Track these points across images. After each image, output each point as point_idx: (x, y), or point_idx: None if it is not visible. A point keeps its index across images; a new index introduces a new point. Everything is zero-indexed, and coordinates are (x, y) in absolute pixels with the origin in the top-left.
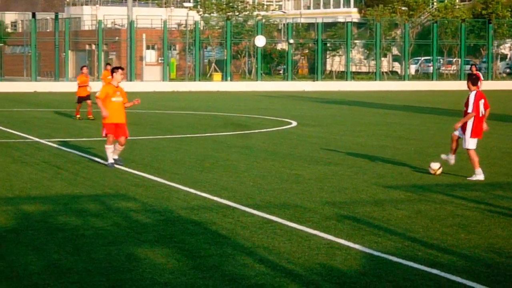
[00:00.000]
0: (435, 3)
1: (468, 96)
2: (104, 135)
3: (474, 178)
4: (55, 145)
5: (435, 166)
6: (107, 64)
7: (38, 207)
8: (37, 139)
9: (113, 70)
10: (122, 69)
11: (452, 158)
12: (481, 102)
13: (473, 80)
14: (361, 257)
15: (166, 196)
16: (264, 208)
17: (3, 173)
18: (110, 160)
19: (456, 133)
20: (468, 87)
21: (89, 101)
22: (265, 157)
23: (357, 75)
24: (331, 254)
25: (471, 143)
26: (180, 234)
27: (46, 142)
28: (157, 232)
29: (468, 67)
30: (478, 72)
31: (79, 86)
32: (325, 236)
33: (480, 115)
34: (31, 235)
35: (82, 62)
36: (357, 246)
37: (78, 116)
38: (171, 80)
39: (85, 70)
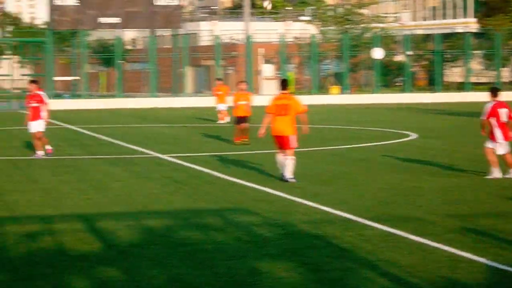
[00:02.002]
0: None
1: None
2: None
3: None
4: (175, 160)
5: None
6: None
7: (160, 222)
8: (158, 155)
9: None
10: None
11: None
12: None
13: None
14: (486, 270)
15: (287, 210)
16: (385, 221)
17: (125, 188)
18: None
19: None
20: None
21: (244, 125)
22: (385, 169)
23: (477, 86)
24: (454, 267)
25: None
26: (302, 248)
27: (167, 157)
28: (278, 246)
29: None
30: None
31: (236, 105)
32: (448, 249)
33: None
34: (154, 250)
35: (200, 77)
36: (481, 259)
37: (237, 141)
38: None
39: (243, 86)
